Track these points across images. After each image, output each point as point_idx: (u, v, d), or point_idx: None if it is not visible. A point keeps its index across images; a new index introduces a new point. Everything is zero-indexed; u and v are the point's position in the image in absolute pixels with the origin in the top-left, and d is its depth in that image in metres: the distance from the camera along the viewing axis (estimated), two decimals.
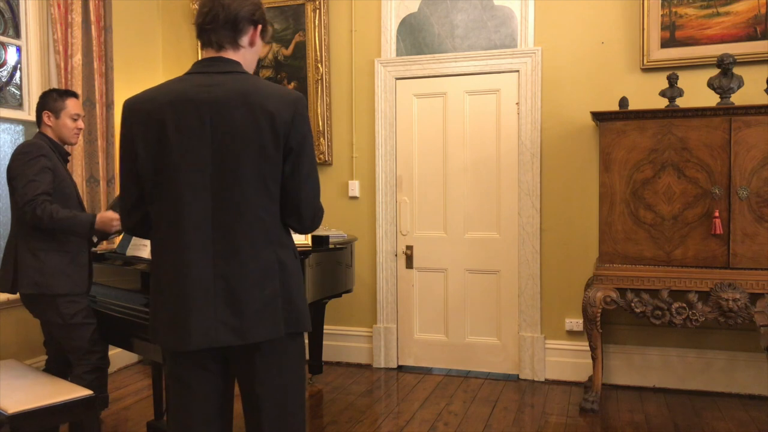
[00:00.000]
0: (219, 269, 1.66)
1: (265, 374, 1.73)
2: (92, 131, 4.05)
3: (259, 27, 1.78)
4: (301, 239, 3.29)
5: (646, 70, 3.91)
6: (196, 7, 4.68)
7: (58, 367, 3.06)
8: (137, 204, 1.75)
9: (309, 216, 1.77)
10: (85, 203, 3.63)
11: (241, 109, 1.65)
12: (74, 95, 3.03)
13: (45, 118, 2.96)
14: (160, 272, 1.73)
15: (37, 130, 3.01)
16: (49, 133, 2.96)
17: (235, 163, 1.65)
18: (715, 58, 3.51)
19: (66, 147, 3.03)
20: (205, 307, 1.65)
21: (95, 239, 3.02)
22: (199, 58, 1.79)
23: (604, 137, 3.59)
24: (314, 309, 3.98)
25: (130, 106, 1.73)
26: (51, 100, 2.96)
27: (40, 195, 2.72)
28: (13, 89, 3.93)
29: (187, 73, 1.75)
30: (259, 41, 1.81)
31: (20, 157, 2.80)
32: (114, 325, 2.95)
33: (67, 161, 3.05)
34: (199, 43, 1.78)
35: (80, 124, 3.01)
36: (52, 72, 3.96)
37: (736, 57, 3.48)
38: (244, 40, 1.76)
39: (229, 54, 1.75)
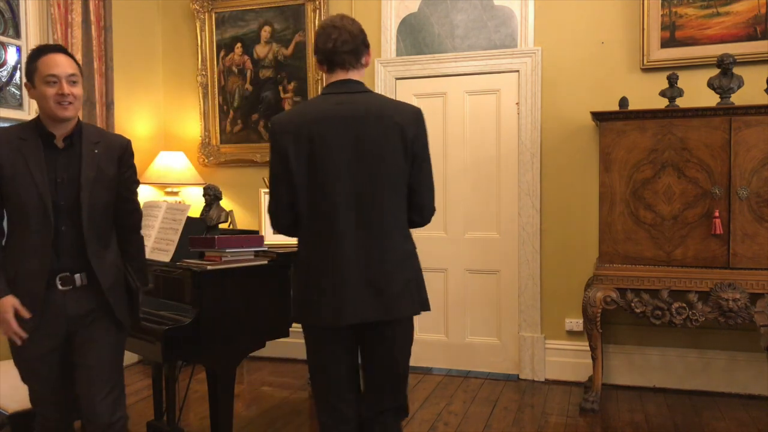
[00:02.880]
0: (366, 259, 1.99)
1: (401, 342, 2.12)
2: None
3: (369, 50, 2.14)
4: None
5: (646, 70, 3.91)
6: (197, 7, 4.77)
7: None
8: (289, 207, 2.06)
9: (429, 211, 2.14)
10: None
11: (376, 122, 2.00)
12: (53, 50, 2.10)
13: (27, 92, 2.16)
14: (312, 263, 2.05)
15: None
16: (40, 110, 2.12)
17: (376, 170, 2.00)
18: (715, 58, 3.51)
19: (62, 125, 2.10)
20: (357, 291, 1.98)
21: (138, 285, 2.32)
22: (332, 81, 2.09)
23: (604, 137, 3.59)
24: None
25: (279, 122, 2.06)
26: (26, 66, 2.12)
27: None
28: (13, 89, 3.93)
29: (323, 94, 2.08)
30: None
31: None
32: None
33: (68, 144, 2.12)
34: (325, 66, 2.08)
35: (64, 88, 2.04)
36: None
37: (736, 57, 3.48)
38: (363, 61, 2.12)
39: (354, 74, 2.09)
